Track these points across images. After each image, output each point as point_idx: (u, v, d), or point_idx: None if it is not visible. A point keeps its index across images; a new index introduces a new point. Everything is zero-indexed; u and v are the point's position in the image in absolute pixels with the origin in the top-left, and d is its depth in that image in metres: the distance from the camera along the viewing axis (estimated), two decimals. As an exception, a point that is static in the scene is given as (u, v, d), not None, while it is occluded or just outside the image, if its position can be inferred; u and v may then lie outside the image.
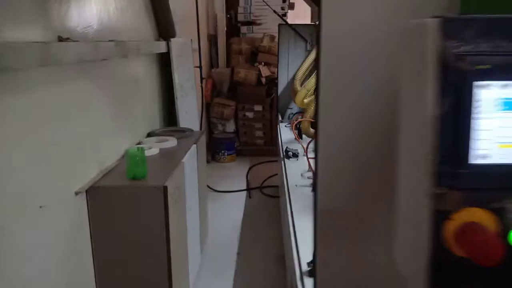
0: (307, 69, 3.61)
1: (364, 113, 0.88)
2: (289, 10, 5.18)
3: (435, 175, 0.53)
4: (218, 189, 3.88)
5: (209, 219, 2.91)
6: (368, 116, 0.88)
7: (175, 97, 2.63)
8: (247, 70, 4.90)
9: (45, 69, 1.27)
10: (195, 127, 3.12)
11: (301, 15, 4.93)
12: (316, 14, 3.45)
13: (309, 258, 1.43)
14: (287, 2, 5.07)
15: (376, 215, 0.93)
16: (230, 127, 4.96)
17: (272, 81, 4.86)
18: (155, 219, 1.63)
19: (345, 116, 0.89)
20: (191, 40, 3.29)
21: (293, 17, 5.01)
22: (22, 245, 1.18)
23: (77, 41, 1.45)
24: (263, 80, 4.88)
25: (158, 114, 2.63)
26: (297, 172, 2.38)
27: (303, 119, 2.85)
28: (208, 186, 3.55)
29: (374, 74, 0.86)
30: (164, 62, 2.68)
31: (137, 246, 1.65)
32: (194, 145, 2.25)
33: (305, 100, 3.14)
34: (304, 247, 1.52)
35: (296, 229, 1.68)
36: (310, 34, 3.78)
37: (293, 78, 3.62)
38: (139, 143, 2.16)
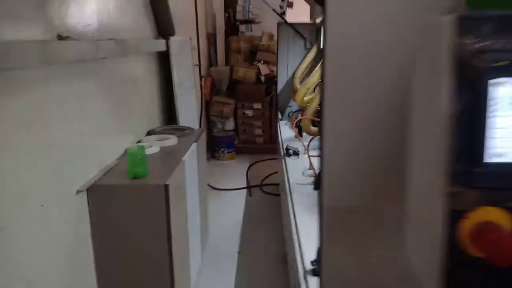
0: (306, 67, 3.61)
1: (369, 111, 0.87)
2: (287, 9, 5.16)
3: (450, 174, 0.52)
4: (218, 187, 3.87)
5: (210, 218, 2.91)
6: (374, 114, 0.87)
7: (174, 95, 2.62)
8: (246, 69, 4.89)
9: (45, 68, 1.26)
10: (195, 125, 3.11)
11: (300, 13, 4.90)
12: (315, 12, 3.44)
13: (312, 257, 1.42)
14: (285, 1, 5.06)
15: (383, 213, 0.92)
16: (230, 125, 4.95)
17: (271, 79, 4.85)
18: (156, 218, 1.62)
19: (351, 114, 0.88)
20: (190, 38, 3.27)
21: (292, 16, 4.99)
22: (23, 244, 1.17)
23: (77, 39, 1.44)
24: (262, 78, 4.87)
25: (158, 112, 2.62)
26: (298, 170, 2.37)
27: (304, 117, 2.84)
28: (208, 184, 3.54)
29: (380, 72, 0.85)
30: (164, 60, 2.67)
31: (139, 245, 1.64)
32: (195, 144, 2.24)
33: (305, 98, 3.13)
34: (307, 246, 1.51)
35: (298, 228, 1.67)
36: (309, 33, 3.78)
37: (293, 77, 3.63)
38: (139, 142, 2.14)
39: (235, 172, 4.34)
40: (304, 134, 2.98)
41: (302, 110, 3.50)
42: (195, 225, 2.26)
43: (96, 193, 1.58)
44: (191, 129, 2.50)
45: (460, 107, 0.50)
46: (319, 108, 2.89)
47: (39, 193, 1.24)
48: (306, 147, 2.47)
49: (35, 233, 1.22)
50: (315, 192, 2.05)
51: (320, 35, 3.53)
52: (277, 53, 3.89)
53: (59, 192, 1.37)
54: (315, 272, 1.36)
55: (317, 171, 2.18)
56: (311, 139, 2.55)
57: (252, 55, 5.05)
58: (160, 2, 2.53)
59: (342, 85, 0.87)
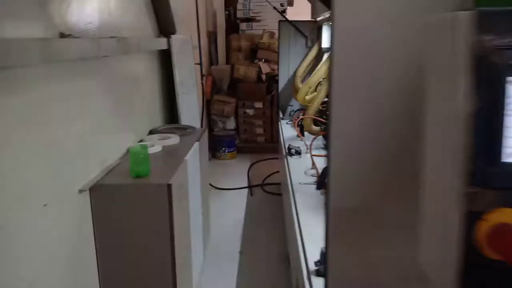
0: (307, 66, 3.60)
1: (378, 110, 0.86)
2: (288, 7, 5.15)
3: (467, 174, 0.51)
4: (219, 186, 3.86)
5: (211, 217, 2.89)
6: (383, 113, 0.86)
7: (176, 94, 2.60)
8: (247, 67, 4.88)
9: (46, 66, 1.24)
10: (196, 124, 3.10)
11: (300, 11, 4.89)
12: (317, 10, 3.43)
13: (316, 257, 1.41)
14: (286, -1, 5.05)
15: (389, 214, 0.91)
16: (230, 124, 4.93)
17: (272, 78, 4.84)
18: (159, 218, 1.60)
19: (359, 113, 0.87)
20: (191, 37, 3.26)
21: (292, 14, 4.98)
22: (24, 244, 1.16)
23: (78, 37, 1.43)
24: (263, 77, 4.86)
25: (159, 111, 2.61)
26: (300, 170, 2.36)
27: (306, 116, 2.83)
28: (210, 184, 3.53)
29: (389, 70, 0.84)
30: (165, 59, 2.66)
31: (141, 245, 1.63)
32: (197, 143, 2.23)
33: (307, 97, 3.12)
34: (310, 246, 1.50)
35: (301, 228, 1.66)
36: (311, 31, 3.76)
37: (294, 75, 3.61)
38: (141, 141, 2.13)
39: (236, 172, 4.32)
40: (306, 133, 2.97)
41: (303, 109, 3.49)
42: (197, 225, 2.25)
43: (99, 193, 1.57)
44: (193, 128, 2.49)
45: (478, 105, 0.49)
46: (321, 107, 2.89)
47: (41, 193, 1.23)
48: (309, 146, 2.45)
49: (36, 232, 1.21)
50: (318, 192, 2.04)
51: (322, 34, 3.51)
52: (278, 52, 3.87)
53: (61, 191, 1.36)
54: (318, 273, 1.35)
55: (319, 170, 2.17)
56: (314, 139, 2.54)
57: (253, 54, 5.04)
58: (161, 0, 2.52)
59: (349, 85, 0.86)
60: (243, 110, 4.93)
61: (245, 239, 2.98)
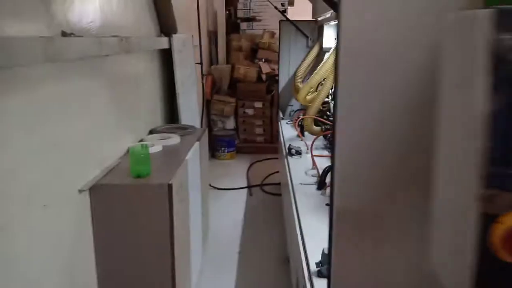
0: (308, 66, 3.59)
1: (384, 111, 0.85)
2: (289, 7, 5.14)
3: (484, 176, 0.50)
4: (218, 186, 3.85)
5: (210, 217, 2.88)
6: (389, 114, 0.85)
7: (176, 94, 2.59)
8: (247, 67, 4.87)
9: (47, 66, 1.23)
10: (196, 124, 3.09)
11: (300, 11, 4.88)
12: (318, 10, 3.42)
13: (317, 258, 1.40)
14: (287, -2, 5.04)
15: (395, 215, 0.90)
16: (230, 124, 4.92)
17: (273, 77, 4.83)
18: (159, 218, 1.59)
19: (364, 114, 0.86)
20: (192, 36, 3.25)
21: (293, 14, 4.97)
22: (26, 244, 1.15)
23: (80, 36, 1.41)
24: (264, 76, 4.84)
25: (160, 111, 2.60)
26: (300, 170, 2.35)
27: (306, 116, 2.82)
28: (209, 184, 3.52)
29: (395, 71, 0.83)
30: (165, 58, 2.65)
31: (141, 245, 1.62)
32: (197, 143, 2.22)
33: (308, 97, 3.11)
34: (311, 247, 1.49)
35: (302, 229, 1.65)
36: (311, 31, 3.75)
37: (294, 75, 3.60)
38: (141, 141, 2.12)
39: (235, 172, 4.31)
40: (306, 133, 2.96)
41: (303, 109, 3.48)
42: (196, 225, 2.24)
43: (99, 193, 1.56)
44: (194, 128, 2.48)
45: (496, 106, 0.48)
46: (321, 107, 2.89)
47: (41, 193, 1.22)
48: (310, 146, 2.44)
49: (36, 232, 1.20)
50: (319, 192, 2.03)
51: (323, 34, 3.50)
52: (278, 52, 3.87)
53: (61, 191, 1.35)
54: (320, 274, 1.34)
55: (320, 171, 2.16)
56: (315, 139, 2.53)
57: (253, 53, 5.03)
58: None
59: (355, 86, 0.85)
60: (242, 110, 4.92)
61: (244, 239, 2.97)
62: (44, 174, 1.23)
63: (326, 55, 3.32)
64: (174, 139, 2.14)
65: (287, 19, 3.82)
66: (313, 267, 1.38)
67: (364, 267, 0.94)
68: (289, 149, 2.65)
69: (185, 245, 1.90)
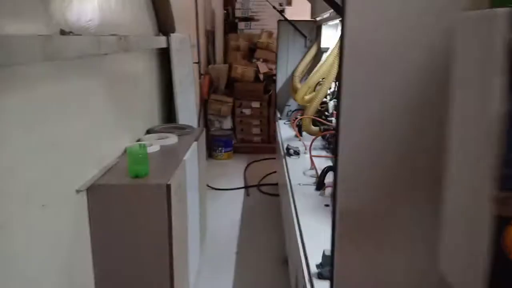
0: (306, 66, 3.59)
1: (386, 111, 0.85)
2: (287, 6, 5.14)
3: (498, 178, 0.49)
4: (215, 186, 3.84)
5: (207, 218, 2.87)
6: (391, 115, 0.85)
7: (174, 93, 2.58)
8: (244, 67, 4.86)
9: (45, 65, 1.22)
10: (193, 124, 3.08)
11: (298, 11, 4.88)
12: (316, 10, 3.41)
13: (317, 259, 1.39)
14: (285, -2, 5.04)
15: (398, 216, 0.90)
16: (227, 124, 4.91)
17: (270, 77, 4.82)
18: (158, 218, 1.58)
19: (368, 114, 0.86)
20: (190, 35, 3.23)
21: (290, 14, 4.96)
22: (24, 244, 1.14)
23: (79, 35, 1.40)
24: (261, 76, 4.84)
25: (157, 110, 2.58)
26: (299, 170, 2.34)
27: (305, 116, 2.81)
28: (207, 185, 3.50)
29: (398, 71, 0.82)
30: (163, 57, 2.63)
31: (139, 245, 1.61)
32: (195, 142, 2.21)
33: (306, 97, 3.11)
34: (311, 248, 1.48)
35: (302, 230, 1.64)
36: (310, 31, 3.75)
37: (292, 75, 3.60)
38: (138, 140, 2.11)
39: (232, 172, 4.30)
40: (303, 133, 2.95)
41: (301, 109, 3.47)
42: (194, 225, 2.22)
43: (96, 193, 1.54)
44: (191, 127, 2.47)
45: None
46: (320, 108, 2.88)
47: (39, 192, 1.21)
48: (309, 147, 2.43)
49: (35, 232, 1.18)
50: (317, 193, 2.02)
51: (321, 34, 3.50)
52: (276, 51, 3.86)
53: (58, 191, 1.33)
54: (321, 276, 1.33)
55: (319, 171, 2.16)
56: (314, 139, 2.52)
57: (251, 53, 5.02)
58: (161, -2, 2.49)
59: (359, 86, 0.85)
60: (240, 110, 4.91)
61: (242, 239, 2.96)
62: (42, 173, 1.22)
63: (324, 55, 3.32)
64: (172, 139, 2.13)
65: (285, 19, 3.81)
66: (313, 269, 1.37)
67: (367, 268, 0.94)
68: (287, 149, 2.64)
69: (183, 245, 1.88)
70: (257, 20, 5.22)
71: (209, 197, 3.22)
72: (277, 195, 3.37)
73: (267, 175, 4.07)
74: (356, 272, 0.94)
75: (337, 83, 2.72)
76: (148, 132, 2.31)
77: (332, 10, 2.64)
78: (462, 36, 0.61)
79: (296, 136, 2.99)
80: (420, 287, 0.89)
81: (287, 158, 2.58)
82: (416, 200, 0.87)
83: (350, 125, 0.87)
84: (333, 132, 2.49)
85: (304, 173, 2.30)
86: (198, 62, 3.68)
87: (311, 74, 3.07)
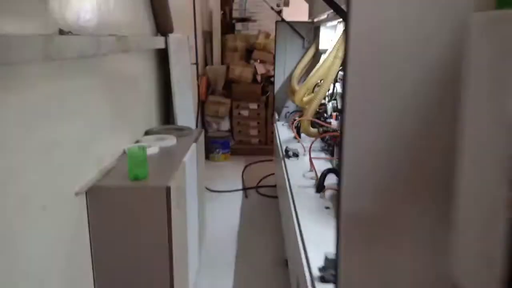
0: (304, 67, 3.58)
1: (394, 113, 0.83)
2: (284, 7, 5.13)
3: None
4: (213, 188, 3.81)
5: (206, 220, 2.85)
6: (399, 116, 0.83)
7: (172, 94, 2.56)
8: (242, 68, 4.84)
9: (45, 64, 1.20)
10: (191, 125, 3.06)
11: (295, 12, 4.87)
12: (315, 11, 3.40)
13: (318, 262, 1.38)
14: (282, -1, 5.03)
15: (405, 219, 0.88)
16: (225, 125, 4.89)
17: (268, 79, 4.81)
18: (157, 221, 1.57)
19: (374, 116, 0.84)
20: (188, 36, 3.22)
21: (287, 15, 4.95)
22: (24, 247, 1.12)
23: (78, 34, 1.38)
24: (259, 78, 4.82)
25: (155, 111, 2.56)
26: (298, 172, 2.33)
27: (303, 118, 2.80)
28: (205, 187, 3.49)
29: (406, 73, 0.81)
30: (161, 58, 2.61)
31: (139, 248, 1.59)
32: (194, 144, 2.19)
33: (305, 99, 3.10)
34: (311, 251, 1.47)
35: (303, 233, 1.62)
36: (308, 32, 3.74)
37: (290, 77, 3.59)
38: (137, 142, 2.09)
39: (230, 174, 4.28)
40: (302, 135, 2.94)
41: (299, 111, 3.46)
42: (193, 228, 2.21)
43: (96, 195, 1.53)
44: (190, 129, 2.45)
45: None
46: (318, 109, 2.87)
47: (39, 195, 1.19)
48: (307, 148, 2.42)
49: (35, 235, 1.17)
50: (317, 195, 2.01)
51: (319, 35, 3.49)
52: (274, 53, 3.84)
53: (58, 193, 1.31)
54: (323, 279, 1.32)
55: (318, 173, 2.14)
56: (314, 141, 2.51)
57: (248, 54, 5.00)
58: (160, -2, 2.48)
59: (363, 88, 0.83)
60: (237, 111, 4.90)
61: (241, 242, 2.94)
62: (41, 175, 1.20)
63: (323, 57, 3.31)
64: (171, 141, 2.11)
65: (283, 20, 3.80)
66: (315, 272, 1.36)
67: (373, 271, 0.92)
68: (286, 151, 2.63)
69: (182, 249, 1.87)
70: (254, 21, 5.20)
71: (207, 199, 3.20)
72: (276, 197, 3.36)
73: (265, 177, 4.05)
74: (362, 276, 0.93)
75: (342, 84, 2.71)
76: (147, 133, 2.30)
77: (330, 12, 2.63)
78: (474, 36, 0.60)
79: (294, 138, 2.97)
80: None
81: (286, 160, 2.57)
82: (423, 202, 0.86)
83: (355, 127, 0.86)
84: (333, 134, 2.48)
85: (303, 175, 2.28)
86: (196, 63, 3.66)
87: (310, 75, 3.06)
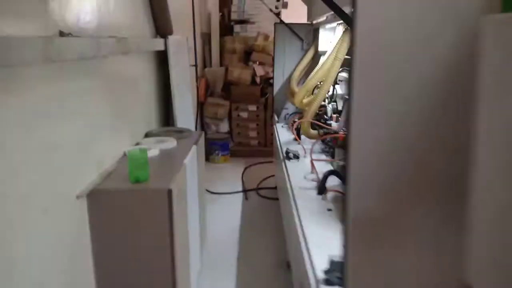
0: (303, 69, 3.57)
1: (401, 114, 0.82)
2: (282, 9, 5.12)
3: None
4: (213, 190, 3.80)
5: (207, 222, 2.84)
6: (406, 117, 0.82)
7: (172, 96, 2.55)
8: (241, 70, 4.83)
9: (44, 66, 1.19)
10: (190, 127, 3.05)
11: (295, 14, 4.86)
12: (313, 13, 3.40)
13: (322, 264, 1.37)
14: (281, 1, 5.01)
15: (412, 222, 0.87)
16: (224, 127, 4.88)
17: (267, 80, 4.80)
18: (159, 223, 1.55)
19: (381, 117, 0.83)
20: (187, 38, 3.21)
21: (286, 17, 4.94)
22: (25, 250, 1.10)
23: (78, 36, 1.37)
24: (258, 79, 4.81)
25: (155, 113, 2.55)
26: (299, 174, 2.31)
27: (304, 119, 2.79)
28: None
29: (413, 73, 0.80)
30: (160, 60, 2.60)
31: (140, 251, 1.58)
32: (194, 146, 2.18)
33: (305, 100, 3.09)
34: (314, 253, 1.46)
35: (306, 235, 1.61)
36: (306, 34, 3.73)
37: (290, 78, 3.58)
38: (137, 144, 2.07)
39: (230, 176, 4.27)
40: (302, 137, 2.93)
41: (299, 112, 3.45)
42: (194, 230, 2.19)
43: (97, 198, 1.51)
44: (190, 131, 2.44)
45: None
46: (318, 111, 2.86)
47: (39, 196, 1.17)
48: (307, 150, 2.41)
49: (36, 238, 1.16)
50: (319, 197, 2.00)
51: (318, 37, 3.48)
52: (273, 54, 3.84)
53: (59, 197, 1.30)
54: (328, 282, 1.31)
55: (320, 175, 2.13)
56: (315, 143, 2.50)
57: (247, 56, 4.99)
58: (160, 0, 2.46)
59: (370, 90, 0.82)
60: (236, 113, 4.88)
61: (242, 244, 2.93)
62: (42, 177, 1.19)
63: (322, 58, 3.30)
64: (171, 143, 2.10)
65: (282, 22, 3.79)
66: (320, 275, 1.35)
67: (381, 273, 0.92)
68: (287, 153, 2.61)
69: (184, 252, 1.85)
70: (253, 22, 5.19)
71: (207, 201, 3.19)
72: (276, 199, 3.34)
73: (265, 178, 4.04)
74: (368, 277, 0.92)
75: (347, 86, 2.70)
76: (147, 135, 2.28)
77: (329, 13, 2.62)
78: (486, 40, 0.59)
79: (295, 139, 2.96)
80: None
81: (287, 161, 2.55)
82: (428, 203, 0.85)
83: (361, 128, 0.85)
84: (333, 135, 2.47)
85: (304, 177, 2.27)
86: (195, 65, 3.65)
87: (309, 77, 3.05)
